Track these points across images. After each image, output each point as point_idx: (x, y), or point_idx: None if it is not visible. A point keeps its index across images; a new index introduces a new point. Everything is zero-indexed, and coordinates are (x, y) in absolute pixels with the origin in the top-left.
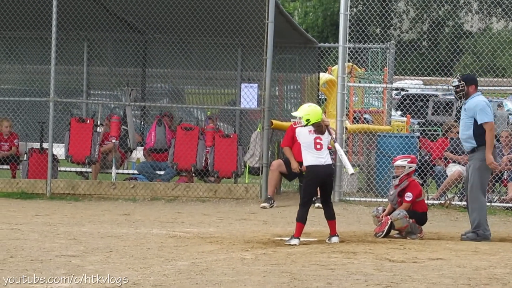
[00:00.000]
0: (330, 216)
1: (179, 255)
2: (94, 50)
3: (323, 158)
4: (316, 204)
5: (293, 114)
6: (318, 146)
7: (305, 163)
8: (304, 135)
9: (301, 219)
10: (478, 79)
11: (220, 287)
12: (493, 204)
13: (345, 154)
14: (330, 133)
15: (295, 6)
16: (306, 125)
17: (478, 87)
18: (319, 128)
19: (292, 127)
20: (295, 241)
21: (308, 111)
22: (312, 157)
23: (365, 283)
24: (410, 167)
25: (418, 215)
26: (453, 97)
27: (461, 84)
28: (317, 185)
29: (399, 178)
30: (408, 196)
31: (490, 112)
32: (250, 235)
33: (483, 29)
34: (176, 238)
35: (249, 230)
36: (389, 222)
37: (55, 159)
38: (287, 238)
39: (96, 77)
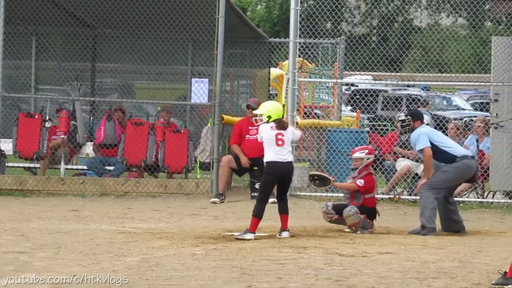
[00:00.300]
0: (283, 210)
1: (128, 251)
2: (42, 44)
3: (284, 155)
4: (271, 200)
5: (254, 112)
6: (280, 142)
7: (266, 159)
8: (266, 131)
9: (257, 214)
10: (425, 74)
11: (170, 283)
12: (469, 200)
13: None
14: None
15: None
16: (268, 121)
17: (428, 82)
18: (281, 124)
19: (239, 125)
20: (250, 236)
21: (269, 107)
22: (272, 153)
23: (315, 278)
24: (368, 159)
25: (368, 210)
26: (401, 130)
27: (407, 119)
28: (276, 182)
29: (357, 170)
30: (360, 182)
31: (425, 138)
32: (200, 231)
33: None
34: (125, 233)
35: (199, 225)
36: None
37: (2, 154)
38: (237, 233)
39: (44, 71)
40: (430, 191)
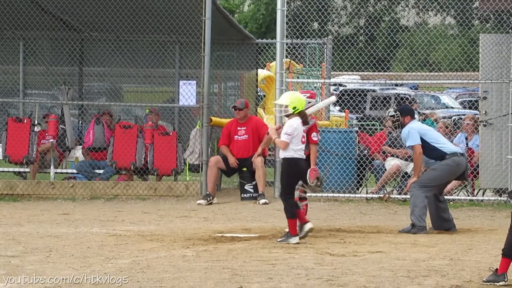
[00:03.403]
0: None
1: (119, 253)
2: (30, 49)
3: (302, 153)
4: (262, 201)
5: (277, 102)
6: (303, 140)
7: (287, 155)
8: (299, 127)
9: (292, 214)
10: (414, 73)
11: (161, 285)
12: (459, 198)
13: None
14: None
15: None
16: (293, 113)
17: (416, 81)
18: (305, 117)
19: (228, 126)
20: (294, 239)
21: (293, 98)
22: (295, 150)
23: (306, 277)
24: (309, 102)
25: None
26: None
27: (396, 115)
28: (297, 179)
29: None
30: (314, 136)
31: (416, 135)
32: (191, 232)
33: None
34: (116, 236)
35: (189, 227)
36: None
37: None
38: (280, 239)
39: (32, 76)
40: (421, 189)
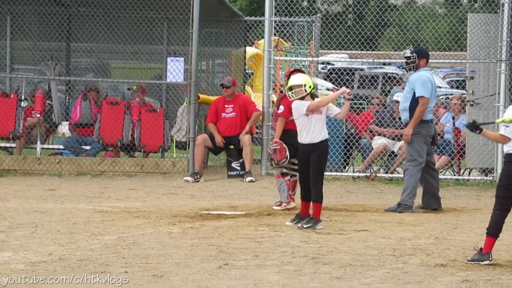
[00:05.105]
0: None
1: (105, 229)
2: (17, 23)
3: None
4: (249, 178)
5: (294, 83)
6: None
7: (325, 137)
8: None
9: (322, 198)
10: (402, 52)
11: (147, 261)
12: (446, 177)
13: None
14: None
15: None
16: (310, 92)
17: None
18: (315, 96)
19: (215, 103)
20: (321, 225)
21: (307, 78)
22: (325, 130)
23: (292, 255)
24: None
25: (290, 134)
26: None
27: (412, 56)
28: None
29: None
30: (281, 109)
31: (430, 88)
32: (177, 209)
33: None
34: (102, 213)
35: (176, 204)
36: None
37: None
38: (306, 225)
39: (19, 51)
40: (415, 166)
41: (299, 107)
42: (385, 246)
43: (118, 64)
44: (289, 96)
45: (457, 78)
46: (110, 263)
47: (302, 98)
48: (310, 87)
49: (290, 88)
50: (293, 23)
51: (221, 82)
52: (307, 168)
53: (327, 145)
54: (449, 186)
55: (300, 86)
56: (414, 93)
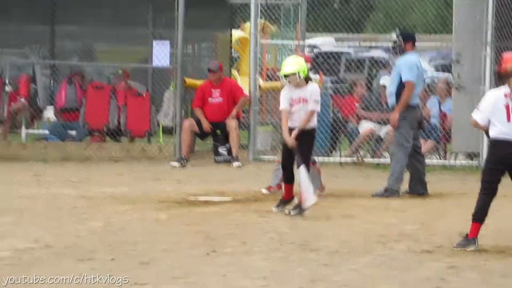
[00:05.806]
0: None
1: (92, 215)
2: (1, 7)
3: None
4: (236, 163)
5: (287, 71)
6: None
7: (314, 125)
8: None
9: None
10: (388, 36)
11: (134, 248)
12: (431, 161)
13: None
14: None
15: None
16: (305, 79)
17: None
18: (309, 78)
19: (202, 88)
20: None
21: (300, 63)
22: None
23: (279, 242)
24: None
25: None
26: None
27: (399, 39)
28: None
29: None
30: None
31: (416, 72)
32: (164, 195)
33: None
34: (88, 198)
35: (163, 190)
36: None
37: None
38: (293, 212)
39: (3, 34)
40: (402, 151)
41: (287, 96)
42: (371, 232)
43: (103, 47)
44: (284, 83)
45: (443, 62)
46: (97, 249)
47: (297, 84)
48: (303, 72)
49: (285, 76)
50: (279, 6)
51: (207, 66)
52: (291, 153)
53: (315, 132)
54: (435, 171)
55: (294, 74)
56: (401, 78)
